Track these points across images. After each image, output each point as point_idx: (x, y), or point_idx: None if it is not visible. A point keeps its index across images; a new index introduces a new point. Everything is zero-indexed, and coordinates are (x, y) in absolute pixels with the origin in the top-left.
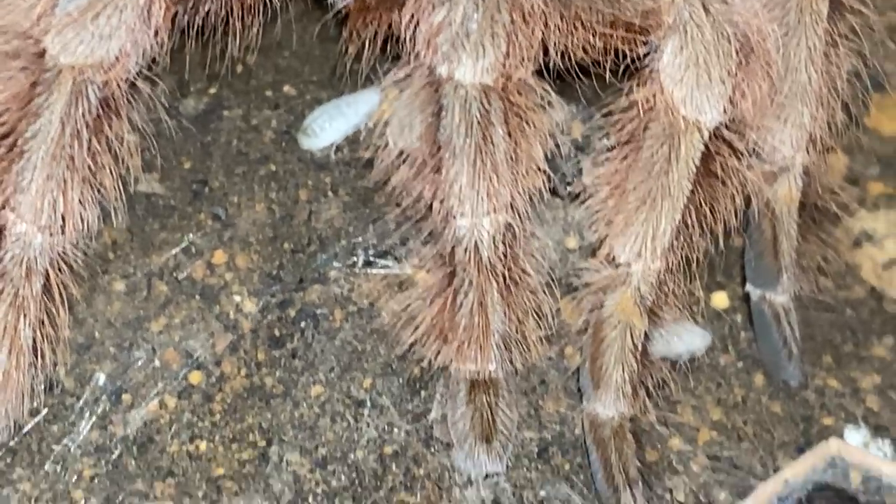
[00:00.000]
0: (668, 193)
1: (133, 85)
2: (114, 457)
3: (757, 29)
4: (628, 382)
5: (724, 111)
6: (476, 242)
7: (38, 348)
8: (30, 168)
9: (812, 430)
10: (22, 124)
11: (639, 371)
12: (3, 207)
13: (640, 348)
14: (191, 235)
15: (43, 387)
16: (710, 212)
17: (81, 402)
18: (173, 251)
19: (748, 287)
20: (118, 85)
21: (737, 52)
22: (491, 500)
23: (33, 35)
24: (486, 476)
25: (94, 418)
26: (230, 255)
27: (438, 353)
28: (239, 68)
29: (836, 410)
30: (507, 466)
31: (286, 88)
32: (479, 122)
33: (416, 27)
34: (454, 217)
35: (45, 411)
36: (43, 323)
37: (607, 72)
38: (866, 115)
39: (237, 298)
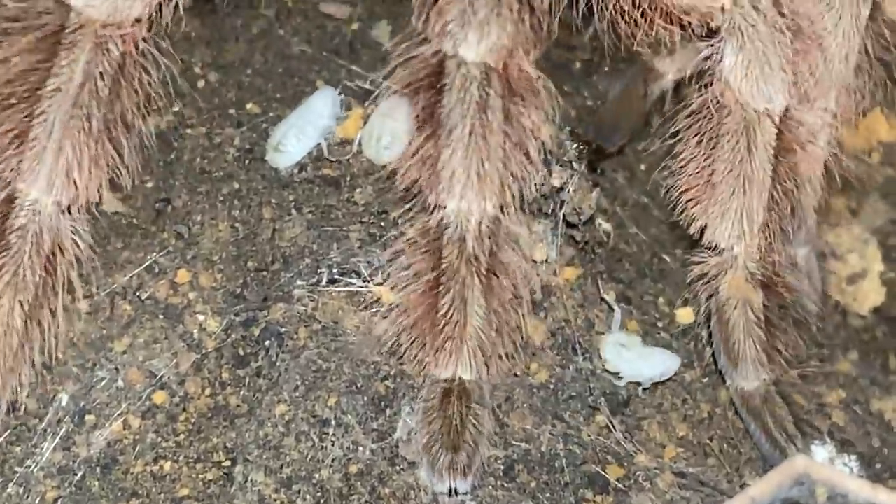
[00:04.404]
0: (755, 178)
1: None
2: (77, 478)
3: (807, 14)
4: (762, 351)
5: (790, 94)
6: (462, 232)
7: None
8: None
9: None
10: None
11: (769, 338)
12: None
13: (762, 318)
14: (154, 254)
15: (5, 409)
16: (793, 181)
17: (44, 423)
18: (136, 270)
19: None
20: None
21: (791, 40)
22: None
23: None
24: (452, 494)
25: (57, 439)
26: (194, 273)
27: (417, 360)
28: (201, 85)
29: (801, 426)
30: (473, 485)
31: (249, 106)
32: (477, 102)
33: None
34: (442, 205)
35: (6, 433)
36: None
37: None
38: None
39: (201, 317)
